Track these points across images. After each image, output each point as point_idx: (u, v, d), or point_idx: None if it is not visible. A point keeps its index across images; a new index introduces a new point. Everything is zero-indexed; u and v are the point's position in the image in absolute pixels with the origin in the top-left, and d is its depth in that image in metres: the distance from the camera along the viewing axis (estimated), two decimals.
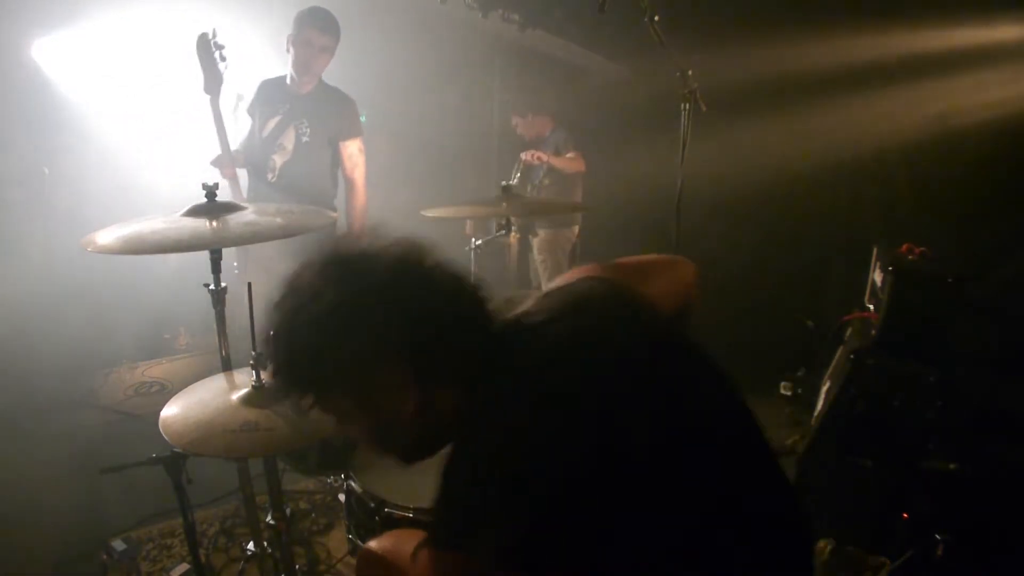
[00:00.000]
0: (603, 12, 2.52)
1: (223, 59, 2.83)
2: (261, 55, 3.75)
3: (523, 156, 4.12)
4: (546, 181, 4.38)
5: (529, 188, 4.39)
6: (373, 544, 1.41)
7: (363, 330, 0.98)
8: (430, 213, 2.64)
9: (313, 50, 3.16)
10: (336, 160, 3.38)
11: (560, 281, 1.28)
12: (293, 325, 1.01)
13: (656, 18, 2.52)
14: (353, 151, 3.35)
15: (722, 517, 1.00)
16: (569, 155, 4.28)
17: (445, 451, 1.02)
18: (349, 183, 3.40)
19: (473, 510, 0.94)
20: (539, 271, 4.51)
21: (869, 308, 3.00)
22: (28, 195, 4.02)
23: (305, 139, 3.26)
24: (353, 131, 3.35)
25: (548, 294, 1.20)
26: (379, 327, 0.98)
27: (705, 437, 1.04)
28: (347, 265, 1.02)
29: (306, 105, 3.27)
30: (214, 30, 2.81)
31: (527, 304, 1.17)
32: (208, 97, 2.89)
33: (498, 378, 1.01)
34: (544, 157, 4.21)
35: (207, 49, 2.81)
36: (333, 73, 3.39)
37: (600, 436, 0.95)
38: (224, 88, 2.92)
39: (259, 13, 4.03)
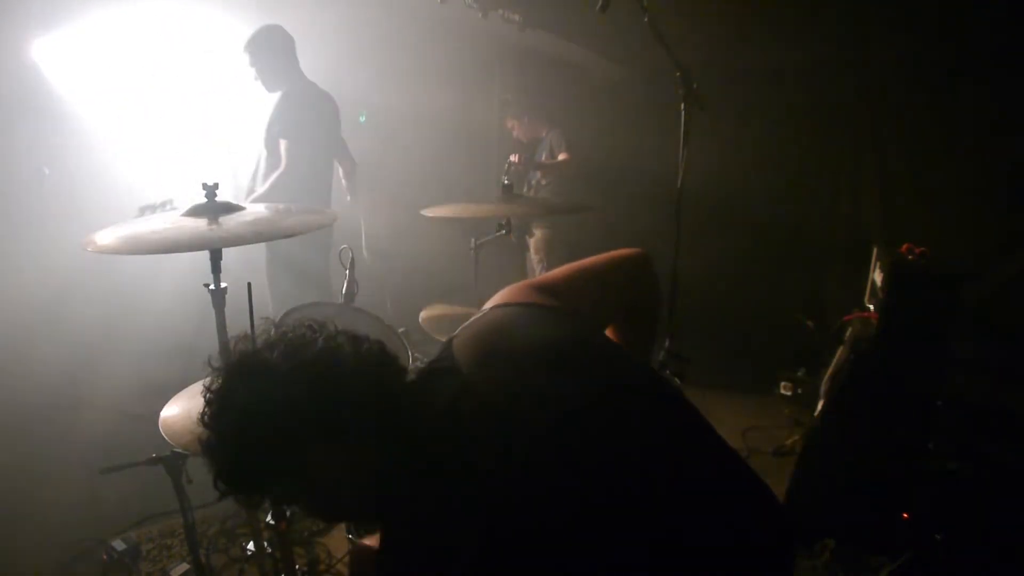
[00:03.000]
0: (603, 12, 2.52)
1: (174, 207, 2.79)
2: None
3: (512, 158, 4.14)
4: (543, 181, 4.39)
5: (526, 188, 4.40)
6: (368, 541, 1.42)
7: (275, 423, 1.03)
8: (430, 213, 2.64)
9: None
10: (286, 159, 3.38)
11: (492, 302, 1.28)
12: (217, 436, 1.06)
13: (656, 18, 2.52)
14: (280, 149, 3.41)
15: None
16: (561, 157, 4.29)
17: None
18: None
19: None
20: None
21: (869, 308, 3.00)
22: (28, 195, 4.01)
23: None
24: (278, 132, 3.42)
25: (461, 334, 1.20)
26: (286, 417, 1.03)
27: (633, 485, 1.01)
28: (244, 367, 1.08)
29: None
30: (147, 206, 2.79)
31: (440, 351, 1.21)
32: None
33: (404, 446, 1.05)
34: (532, 164, 4.24)
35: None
36: (333, 73, 3.39)
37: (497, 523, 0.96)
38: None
39: (256, 11, 4.03)
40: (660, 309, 1.50)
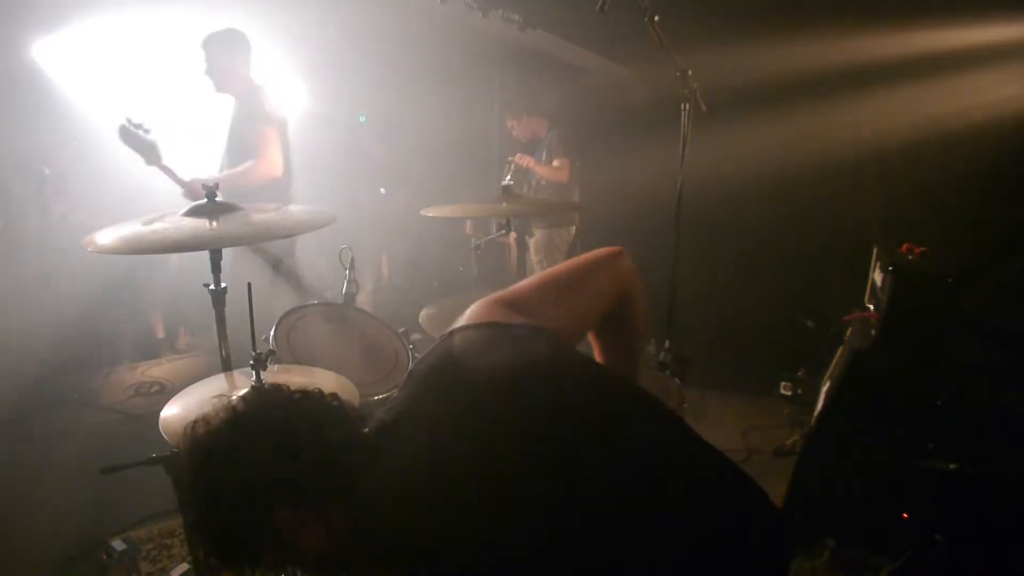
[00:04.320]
0: (603, 12, 2.52)
1: (147, 131, 2.88)
2: (259, 52, 3.75)
3: (512, 159, 4.14)
4: (543, 182, 4.39)
5: (526, 188, 4.40)
6: None
7: (236, 502, 1.02)
8: (430, 213, 2.64)
9: None
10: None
11: (458, 322, 1.22)
12: (193, 523, 1.08)
13: (656, 18, 2.52)
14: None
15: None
16: (555, 163, 4.29)
17: None
18: None
19: None
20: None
21: (869, 308, 3.00)
22: (27, 194, 4.02)
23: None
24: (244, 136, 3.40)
25: (418, 369, 1.16)
26: (245, 493, 1.01)
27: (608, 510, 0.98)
28: (197, 453, 1.07)
29: None
30: (127, 118, 2.85)
31: (399, 391, 1.17)
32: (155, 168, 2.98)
33: (372, 499, 1.03)
34: (528, 162, 4.24)
35: (130, 135, 2.86)
36: (334, 73, 3.40)
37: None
38: (161, 148, 2.96)
39: (257, 12, 4.03)
40: (642, 308, 1.40)
